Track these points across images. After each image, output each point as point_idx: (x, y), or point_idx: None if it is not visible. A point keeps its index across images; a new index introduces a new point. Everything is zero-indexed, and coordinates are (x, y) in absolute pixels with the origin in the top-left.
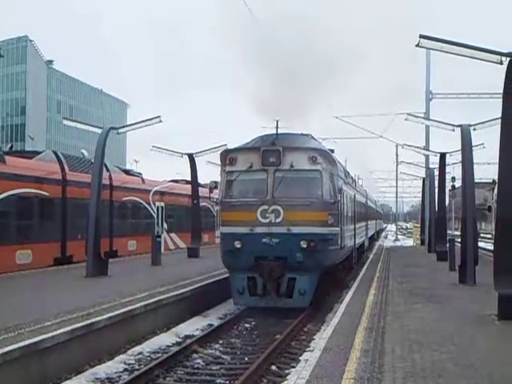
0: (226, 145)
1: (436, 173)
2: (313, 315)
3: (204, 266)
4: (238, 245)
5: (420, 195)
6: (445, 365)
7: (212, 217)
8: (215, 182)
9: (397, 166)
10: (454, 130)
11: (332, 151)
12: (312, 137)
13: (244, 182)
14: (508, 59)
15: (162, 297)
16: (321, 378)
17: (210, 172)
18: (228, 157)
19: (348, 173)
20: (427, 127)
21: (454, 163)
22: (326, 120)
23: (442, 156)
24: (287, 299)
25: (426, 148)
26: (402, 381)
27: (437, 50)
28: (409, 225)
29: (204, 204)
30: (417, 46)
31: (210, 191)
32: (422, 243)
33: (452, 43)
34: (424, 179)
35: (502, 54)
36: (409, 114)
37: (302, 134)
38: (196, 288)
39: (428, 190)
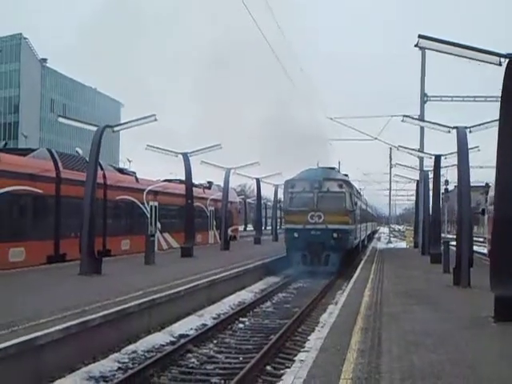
0: (219, 145)
1: (430, 175)
2: (307, 315)
3: (198, 265)
4: (296, 235)
5: (413, 198)
6: (443, 366)
7: (205, 217)
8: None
9: (390, 168)
10: (449, 132)
11: (346, 175)
12: (338, 170)
13: (300, 198)
14: (507, 60)
15: (156, 296)
16: (318, 378)
17: (203, 172)
18: (289, 183)
19: (358, 190)
20: (422, 130)
21: (446, 166)
22: (320, 121)
23: (437, 158)
24: (325, 267)
25: (421, 150)
26: (400, 382)
27: (435, 50)
28: (401, 227)
29: (198, 204)
30: (416, 46)
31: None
32: (416, 246)
33: (451, 43)
34: (418, 182)
35: (500, 56)
36: (405, 116)
37: (331, 168)
38: (190, 287)
39: (422, 192)
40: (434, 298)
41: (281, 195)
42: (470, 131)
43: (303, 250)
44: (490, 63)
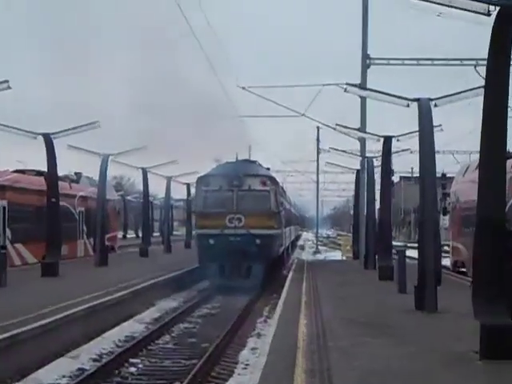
0: (97, 122)
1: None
2: (222, 353)
3: (66, 287)
4: (211, 242)
5: (344, 193)
6: None
7: (73, 221)
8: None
9: (318, 154)
10: (408, 106)
11: (268, 169)
12: (259, 164)
13: (216, 197)
14: (497, 9)
15: (13, 332)
16: None
17: (71, 160)
18: (203, 180)
19: (282, 187)
20: (363, 104)
21: (397, 151)
22: (228, 90)
23: (387, 140)
24: (246, 280)
25: (363, 130)
26: None
27: None
28: (330, 232)
29: (63, 204)
30: None
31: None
32: (356, 257)
33: None
34: (358, 171)
35: (490, 3)
36: (348, 84)
37: (252, 161)
38: (58, 319)
39: (365, 184)
40: (392, 328)
41: (177, 193)
42: (436, 105)
43: (220, 260)
44: (477, 13)
